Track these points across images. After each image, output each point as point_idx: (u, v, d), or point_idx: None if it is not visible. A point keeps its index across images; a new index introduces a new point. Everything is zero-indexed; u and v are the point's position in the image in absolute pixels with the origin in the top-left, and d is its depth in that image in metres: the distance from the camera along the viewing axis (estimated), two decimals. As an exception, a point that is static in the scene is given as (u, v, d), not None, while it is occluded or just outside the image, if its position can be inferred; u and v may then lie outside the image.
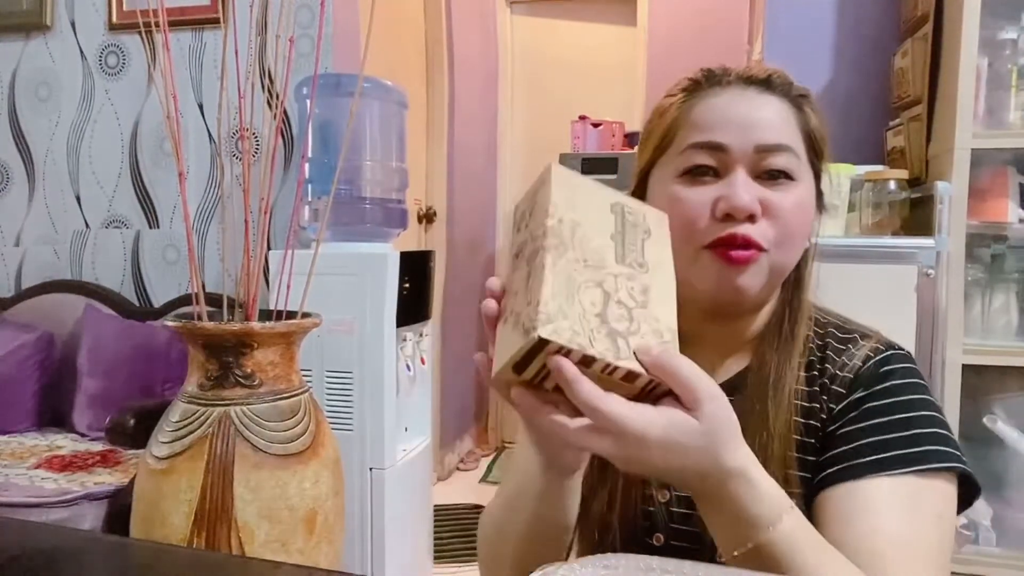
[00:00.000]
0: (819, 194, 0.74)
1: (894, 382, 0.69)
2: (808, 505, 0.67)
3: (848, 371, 0.71)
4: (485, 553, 0.79)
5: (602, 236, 0.54)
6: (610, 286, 0.51)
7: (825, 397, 0.71)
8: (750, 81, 0.71)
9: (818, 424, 0.71)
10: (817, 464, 0.69)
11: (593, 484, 0.76)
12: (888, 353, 0.71)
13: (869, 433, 0.67)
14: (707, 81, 0.72)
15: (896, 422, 0.66)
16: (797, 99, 0.72)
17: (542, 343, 0.46)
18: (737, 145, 0.68)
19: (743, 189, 0.67)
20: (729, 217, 0.67)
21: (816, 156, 0.72)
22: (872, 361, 0.70)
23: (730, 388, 0.73)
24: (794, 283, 0.75)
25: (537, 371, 0.49)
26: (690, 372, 0.50)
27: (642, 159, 0.76)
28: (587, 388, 0.47)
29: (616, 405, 0.48)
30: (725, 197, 0.67)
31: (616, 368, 0.48)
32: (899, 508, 0.62)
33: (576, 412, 0.49)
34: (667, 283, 0.55)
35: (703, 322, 0.76)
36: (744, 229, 0.67)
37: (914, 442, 0.65)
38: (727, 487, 0.52)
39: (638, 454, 0.49)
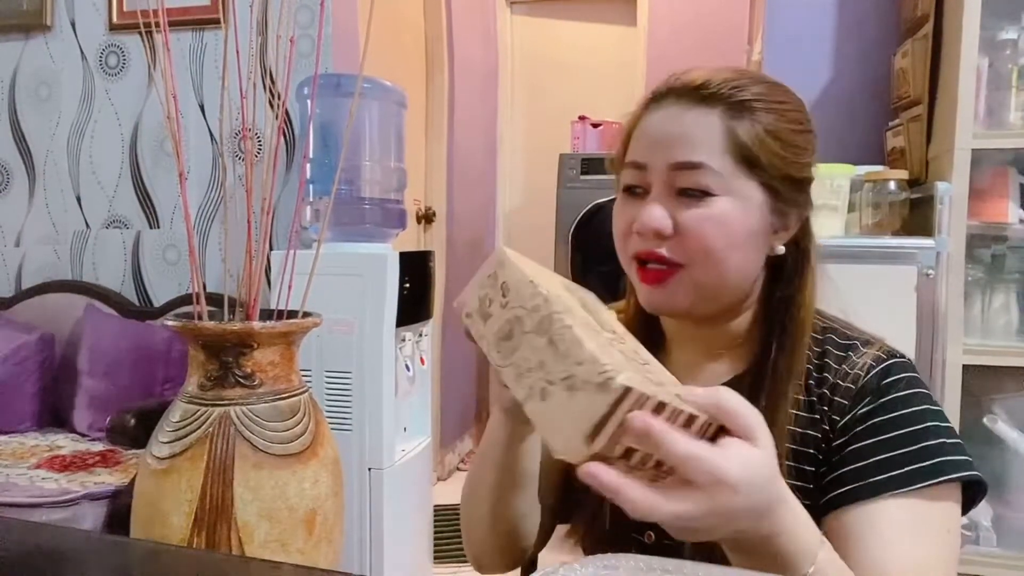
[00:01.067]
0: (779, 199, 0.71)
1: (898, 394, 0.69)
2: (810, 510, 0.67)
3: (850, 381, 0.70)
4: (465, 514, 0.83)
5: (578, 308, 0.54)
6: (618, 346, 0.51)
7: (826, 408, 0.71)
8: (682, 93, 0.71)
9: (819, 435, 0.70)
10: (818, 476, 0.69)
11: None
12: (890, 362, 0.71)
13: (876, 450, 0.66)
14: (654, 95, 0.74)
15: (903, 437, 0.66)
16: (738, 105, 0.69)
17: (621, 396, 0.43)
18: (652, 164, 0.71)
19: (650, 209, 0.70)
20: (640, 234, 0.71)
21: (751, 166, 0.69)
22: (875, 371, 0.70)
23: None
24: (782, 289, 0.74)
25: (610, 436, 0.45)
26: (738, 403, 0.49)
27: (614, 169, 0.80)
28: (682, 439, 0.45)
29: (713, 451, 0.46)
30: (636, 216, 0.71)
31: (681, 412, 0.46)
32: (910, 530, 0.63)
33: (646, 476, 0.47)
34: (642, 350, 0.57)
35: (678, 325, 0.79)
36: (651, 246, 0.70)
37: (922, 456, 0.65)
38: (776, 515, 0.50)
39: (726, 503, 0.46)
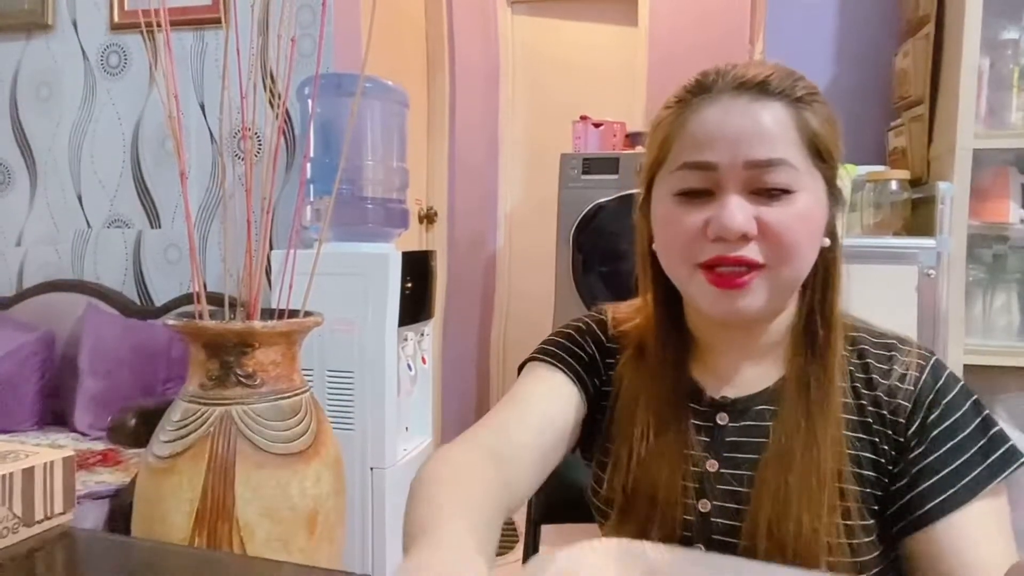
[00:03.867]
0: (833, 193, 0.71)
1: (952, 395, 0.69)
2: (871, 516, 0.67)
3: (909, 383, 0.70)
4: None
5: None
6: None
7: (885, 413, 0.70)
8: (743, 87, 0.67)
9: (878, 439, 0.69)
10: (886, 483, 0.69)
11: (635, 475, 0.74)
12: (933, 361, 0.71)
13: (951, 458, 0.67)
14: (698, 90, 0.69)
15: (969, 438, 0.67)
16: (798, 101, 0.67)
17: None
18: (726, 163, 0.66)
19: (734, 211, 0.65)
20: (722, 238, 0.66)
21: (821, 159, 0.68)
22: (926, 375, 0.70)
23: (766, 397, 0.73)
24: (821, 287, 0.73)
25: None
26: None
27: (644, 170, 0.75)
28: None
29: None
30: (715, 219, 0.66)
31: None
32: (996, 525, 0.65)
33: None
34: None
35: (716, 329, 0.76)
36: (736, 250, 0.66)
37: (989, 451, 0.67)
38: None
39: None
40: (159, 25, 1.23)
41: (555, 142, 3.21)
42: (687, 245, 0.68)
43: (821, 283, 0.72)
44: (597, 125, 2.97)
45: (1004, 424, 1.70)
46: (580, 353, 0.82)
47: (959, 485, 0.65)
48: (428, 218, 3.25)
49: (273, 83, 2.03)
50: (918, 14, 1.92)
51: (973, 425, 0.68)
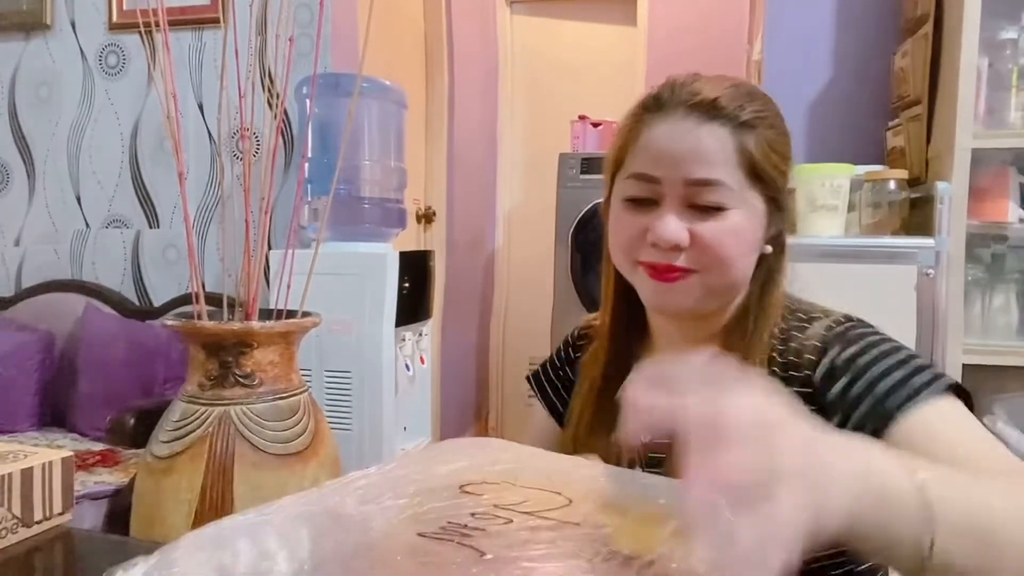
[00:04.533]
0: (778, 207, 0.76)
1: (869, 338, 0.71)
2: None
3: (815, 340, 0.73)
4: None
5: None
6: None
7: (794, 373, 0.73)
8: (693, 107, 0.72)
9: (798, 400, 0.71)
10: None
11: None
12: (850, 322, 0.74)
13: (881, 378, 0.67)
14: (654, 106, 0.75)
15: (897, 363, 0.68)
16: (742, 124, 0.72)
17: None
18: (667, 179, 0.72)
19: (668, 223, 0.71)
20: (657, 245, 0.72)
21: (760, 179, 0.73)
22: (838, 328, 0.73)
23: None
24: (760, 287, 0.78)
25: None
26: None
27: (606, 171, 0.81)
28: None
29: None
30: (652, 228, 0.72)
31: None
32: (954, 424, 0.64)
33: None
34: None
35: (667, 323, 0.82)
36: (669, 258, 0.72)
37: (920, 369, 0.67)
38: (829, 441, 0.46)
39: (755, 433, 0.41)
40: (157, 25, 1.22)
41: (554, 142, 3.22)
42: (630, 244, 0.76)
43: (761, 283, 0.78)
44: (596, 125, 2.97)
45: (1003, 424, 1.70)
46: (553, 378, 0.97)
47: (901, 395, 0.65)
48: (426, 218, 3.25)
49: (271, 83, 2.03)
50: (916, 13, 1.92)
51: (894, 359, 0.68)
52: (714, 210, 0.71)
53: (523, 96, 4.00)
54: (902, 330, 1.60)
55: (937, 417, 0.64)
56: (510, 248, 3.98)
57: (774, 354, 0.76)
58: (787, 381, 0.73)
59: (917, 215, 1.79)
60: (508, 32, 3.96)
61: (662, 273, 0.73)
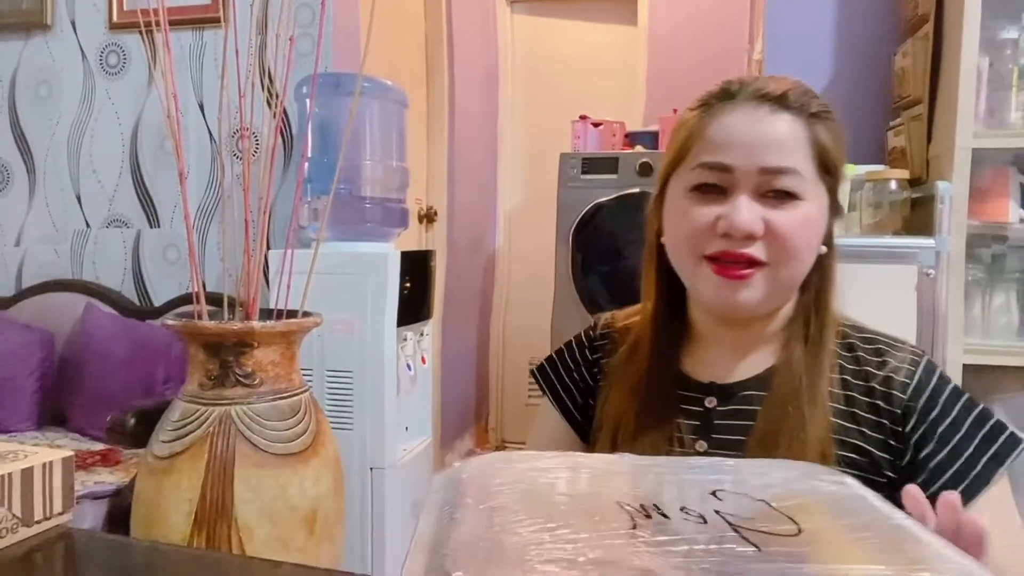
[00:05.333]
0: (834, 205, 0.77)
1: (948, 393, 0.73)
2: None
3: (903, 376, 0.74)
4: None
5: None
6: None
7: (878, 401, 0.73)
8: (763, 98, 0.72)
9: (867, 428, 0.73)
10: (880, 473, 0.72)
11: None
12: (926, 360, 0.75)
13: (956, 455, 0.70)
14: (722, 97, 0.74)
15: (971, 429, 0.71)
16: (812, 116, 0.73)
17: None
18: (742, 167, 0.71)
19: (743, 211, 0.70)
20: (729, 235, 0.71)
21: (827, 172, 0.74)
22: (920, 370, 0.74)
23: (756, 384, 0.77)
24: (817, 287, 0.77)
25: None
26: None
27: (663, 166, 0.80)
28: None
29: None
30: (726, 216, 0.71)
31: None
32: (1005, 518, 0.69)
33: None
34: None
35: (718, 324, 0.80)
36: (742, 247, 0.71)
37: (992, 439, 0.70)
38: None
39: None
40: (158, 24, 1.22)
41: (554, 141, 3.21)
42: (696, 237, 0.73)
43: (817, 285, 0.78)
44: (596, 125, 2.96)
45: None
46: (567, 380, 0.91)
47: (971, 476, 0.69)
48: (427, 217, 3.25)
49: (271, 82, 2.03)
50: (917, 13, 1.92)
51: (972, 417, 0.71)
52: (788, 199, 0.71)
53: (523, 96, 4.00)
54: (902, 330, 1.59)
55: (989, 513, 0.66)
56: (511, 248, 3.98)
57: (841, 361, 0.76)
58: (866, 398, 0.74)
59: (918, 215, 1.79)
60: (508, 31, 3.96)
61: (729, 270, 0.72)
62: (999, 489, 0.69)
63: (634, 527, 0.43)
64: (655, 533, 0.42)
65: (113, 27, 2.47)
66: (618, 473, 0.54)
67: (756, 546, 0.41)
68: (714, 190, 0.72)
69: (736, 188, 0.71)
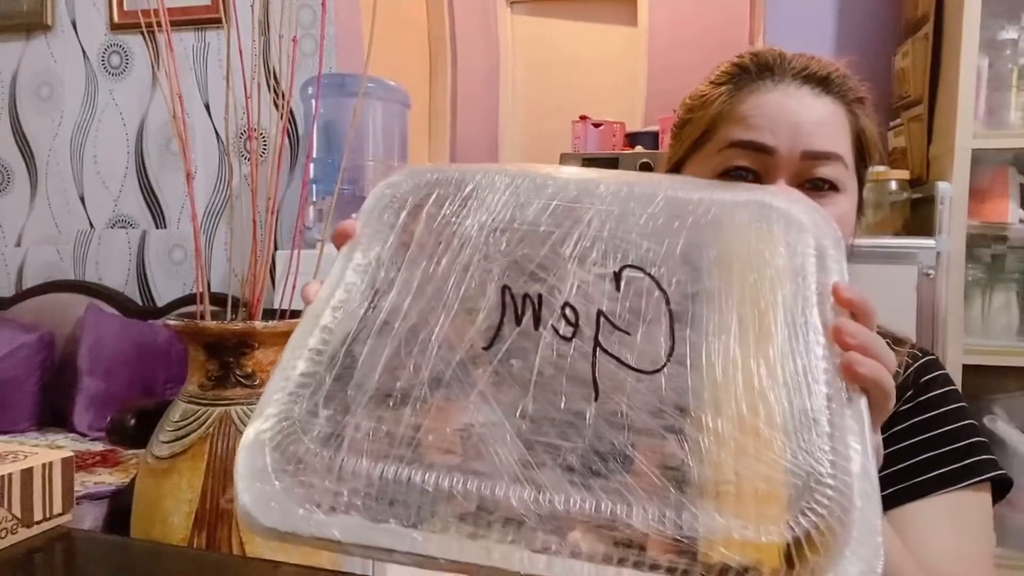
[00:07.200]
0: (861, 201, 0.71)
1: (935, 392, 0.70)
2: None
3: (907, 372, 0.71)
4: None
5: None
6: None
7: None
8: (807, 78, 0.65)
9: None
10: None
11: None
12: (925, 360, 0.72)
13: (918, 451, 0.67)
14: (757, 72, 0.66)
15: (942, 436, 0.67)
16: (855, 102, 0.67)
17: None
18: (784, 149, 0.62)
19: None
20: None
21: (864, 162, 0.68)
22: (912, 369, 0.71)
23: None
24: None
25: None
26: None
27: (676, 150, 0.71)
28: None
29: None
30: None
31: None
32: (950, 522, 0.64)
33: None
34: None
35: None
36: None
37: (960, 455, 0.66)
38: None
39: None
40: (159, 25, 1.23)
41: (555, 142, 3.21)
42: None
43: None
44: (597, 125, 2.96)
45: (1003, 424, 1.70)
46: None
47: (921, 478, 0.65)
48: (428, 218, 3.25)
49: (277, 83, 2.03)
50: (917, 14, 1.92)
51: (949, 428, 0.68)
52: (828, 191, 0.64)
53: (524, 96, 4.01)
54: (902, 330, 1.60)
55: (933, 517, 0.64)
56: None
57: None
58: None
59: (918, 215, 1.79)
60: (509, 32, 3.96)
61: None
62: (960, 503, 0.65)
63: (491, 342, 0.41)
64: (507, 356, 0.40)
65: (114, 27, 2.47)
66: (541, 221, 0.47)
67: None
68: (746, 176, 0.64)
69: (773, 174, 0.63)
